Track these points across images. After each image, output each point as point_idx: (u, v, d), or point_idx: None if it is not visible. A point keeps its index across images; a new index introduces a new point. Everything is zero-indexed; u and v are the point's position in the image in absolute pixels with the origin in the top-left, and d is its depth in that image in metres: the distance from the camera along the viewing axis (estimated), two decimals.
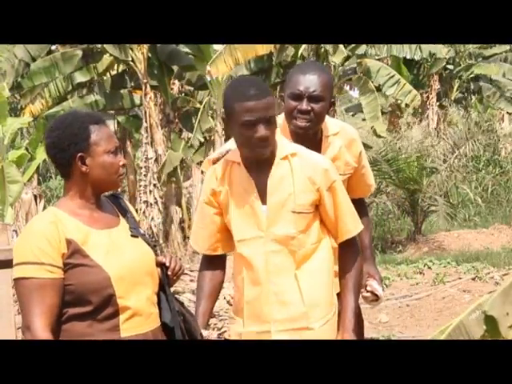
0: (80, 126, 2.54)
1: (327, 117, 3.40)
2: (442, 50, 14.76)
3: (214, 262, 3.12)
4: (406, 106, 18.88)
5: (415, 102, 14.86)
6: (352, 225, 3.02)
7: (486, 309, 1.85)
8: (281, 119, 3.28)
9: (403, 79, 14.96)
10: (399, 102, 16.66)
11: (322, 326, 2.96)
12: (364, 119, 24.99)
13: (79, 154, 2.54)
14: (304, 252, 2.96)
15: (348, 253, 3.03)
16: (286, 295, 2.94)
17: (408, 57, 15.09)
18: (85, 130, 2.54)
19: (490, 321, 1.88)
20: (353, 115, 25.64)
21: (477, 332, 2.10)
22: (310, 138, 3.30)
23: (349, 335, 2.98)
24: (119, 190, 2.75)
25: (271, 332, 2.93)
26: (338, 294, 3.08)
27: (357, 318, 3.58)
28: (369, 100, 14.26)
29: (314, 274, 2.97)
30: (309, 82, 3.24)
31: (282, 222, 2.94)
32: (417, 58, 15.00)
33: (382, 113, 16.03)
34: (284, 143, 3.00)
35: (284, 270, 2.94)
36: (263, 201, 2.95)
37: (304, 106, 3.21)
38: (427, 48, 14.44)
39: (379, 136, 14.55)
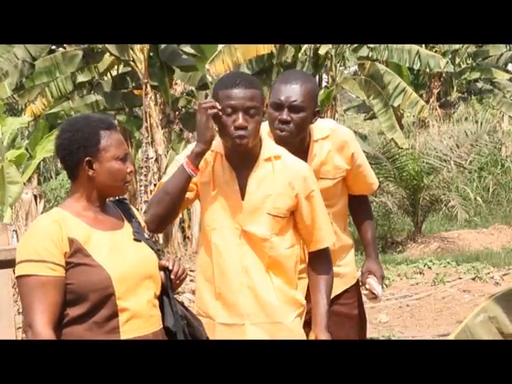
0: (91, 130, 2.56)
1: (318, 119, 3.35)
2: (441, 62, 14.65)
3: None
4: (415, 117, 18.83)
5: (423, 114, 14.74)
6: (326, 236, 3.06)
7: None
8: (266, 127, 3.28)
9: (409, 87, 14.80)
10: (408, 114, 16.47)
11: (293, 321, 2.99)
12: (365, 119, 25.05)
13: (87, 159, 2.56)
14: (276, 254, 2.97)
15: (320, 262, 3.06)
16: (259, 289, 2.95)
17: (407, 65, 15.03)
18: (95, 135, 2.56)
19: None
20: (356, 113, 25.65)
21: (482, 334, 2.10)
22: (297, 143, 3.27)
23: (322, 332, 2.98)
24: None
25: (245, 325, 2.94)
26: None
27: (360, 319, 3.59)
28: (382, 108, 14.04)
29: (284, 274, 2.99)
30: (290, 91, 3.20)
31: (256, 223, 2.95)
32: (415, 67, 14.91)
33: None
34: (269, 144, 3.02)
35: (257, 265, 2.95)
36: (243, 197, 2.96)
37: (284, 115, 3.19)
38: (426, 58, 14.37)
39: (401, 148, 14.14)
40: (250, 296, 2.94)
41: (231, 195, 2.95)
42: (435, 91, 22.21)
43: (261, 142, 2.97)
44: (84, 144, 2.55)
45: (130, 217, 2.70)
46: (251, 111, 2.85)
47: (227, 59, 12.32)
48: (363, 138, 14.87)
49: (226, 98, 2.84)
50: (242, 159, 2.94)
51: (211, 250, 2.99)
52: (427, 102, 21.12)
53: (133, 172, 2.65)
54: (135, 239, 2.64)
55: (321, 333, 2.98)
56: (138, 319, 2.54)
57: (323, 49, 13.20)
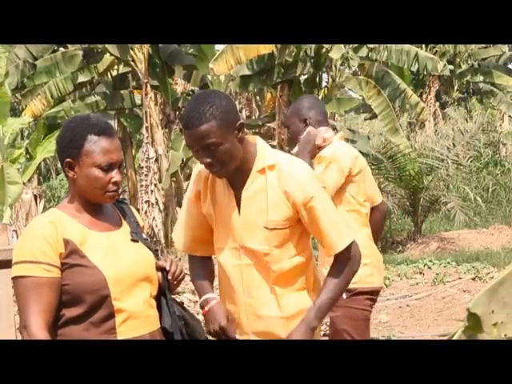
0: (78, 132, 2.52)
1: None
2: (438, 66, 14.65)
3: (203, 259, 3.05)
4: (416, 120, 18.85)
5: (423, 116, 14.72)
6: (336, 241, 2.83)
7: (470, 306, 1.83)
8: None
9: (409, 89, 14.79)
10: (408, 114, 16.45)
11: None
12: (365, 119, 25.06)
13: (67, 160, 2.53)
14: (280, 266, 2.85)
15: (335, 264, 2.87)
16: (262, 308, 2.87)
17: (405, 67, 15.03)
18: (80, 138, 2.51)
19: (473, 318, 1.86)
20: (355, 113, 25.67)
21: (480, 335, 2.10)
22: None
23: (299, 330, 2.82)
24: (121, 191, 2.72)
25: None
26: None
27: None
28: (383, 109, 13.95)
29: (292, 286, 2.88)
30: None
31: (254, 238, 2.84)
32: (413, 69, 14.91)
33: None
34: (265, 154, 2.85)
35: (260, 283, 2.86)
36: (240, 213, 2.86)
37: None
38: (424, 60, 14.37)
39: (400, 151, 13.91)
40: (253, 315, 2.88)
41: (230, 212, 2.87)
42: (434, 89, 22.22)
43: (254, 153, 2.84)
44: (68, 145, 2.53)
45: (129, 217, 2.69)
46: (211, 147, 2.71)
47: (230, 59, 12.32)
48: (366, 138, 14.82)
49: (186, 138, 2.77)
50: (234, 175, 2.83)
51: (220, 269, 2.97)
52: (424, 101, 21.12)
53: (119, 182, 2.55)
54: (132, 240, 2.63)
55: (298, 330, 2.82)
56: (135, 320, 2.54)
57: (337, 52, 13.10)
